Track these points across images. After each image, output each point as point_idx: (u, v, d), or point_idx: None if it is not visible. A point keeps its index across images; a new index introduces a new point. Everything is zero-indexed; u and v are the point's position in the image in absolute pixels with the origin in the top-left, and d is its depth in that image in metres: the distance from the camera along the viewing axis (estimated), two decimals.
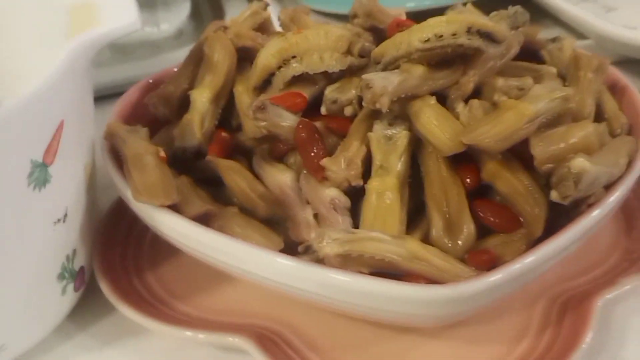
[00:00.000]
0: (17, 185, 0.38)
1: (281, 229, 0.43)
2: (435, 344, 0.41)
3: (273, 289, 0.39)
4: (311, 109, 0.44)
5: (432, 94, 0.42)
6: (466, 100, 0.42)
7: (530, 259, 0.36)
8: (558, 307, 0.42)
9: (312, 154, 0.42)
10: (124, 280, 0.46)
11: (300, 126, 0.42)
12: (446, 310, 0.36)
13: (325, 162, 0.41)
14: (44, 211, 0.40)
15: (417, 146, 0.42)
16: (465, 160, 0.41)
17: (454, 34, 0.40)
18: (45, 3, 0.46)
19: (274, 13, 0.52)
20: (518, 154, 0.40)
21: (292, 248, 0.41)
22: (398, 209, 0.39)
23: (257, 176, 0.44)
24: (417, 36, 0.41)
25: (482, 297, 0.36)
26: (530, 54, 0.48)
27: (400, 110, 0.42)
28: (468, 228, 0.39)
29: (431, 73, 0.41)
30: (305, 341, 0.42)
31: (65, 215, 0.42)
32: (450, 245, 0.39)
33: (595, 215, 0.38)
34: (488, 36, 0.41)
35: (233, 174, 0.43)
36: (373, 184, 0.40)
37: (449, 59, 0.42)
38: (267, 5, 0.50)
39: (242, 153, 0.46)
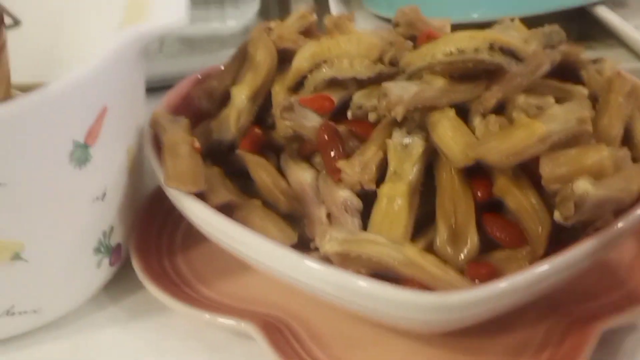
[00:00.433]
0: (60, 162, 0.41)
1: (300, 225, 0.44)
2: (434, 352, 0.42)
3: (278, 278, 0.41)
4: (339, 113, 0.46)
5: (455, 107, 0.42)
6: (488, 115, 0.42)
7: (518, 278, 0.36)
8: (562, 327, 0.42)
9: (331, 156, 0.43)
10: (155, 260, 0.48)
11: (323, 128, 0.44)
12: (433, 317, 0.37)
13: (341, 164, 0.42)
14: (84, 188, 0.44)
15: (433, 156, 0.43)
16: (480, 174, 0.42)
17: (476, 49, 0.41)
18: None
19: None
20: (530, 172, 0.40)
21: (307, 244, 0.43)
22: (405, 215, 0.40)
23: (282, 173, 0.46)
24: (441, 49, 0.42)
25: (470, 309, 0.36)
26: (570, 73, 0.47)
27: (421, 120, 0.43)
28: (472, 240, 0.40)
29: (452, 86, 0.42)
30: (311, 335, 0.43)
31: (104, 194, 0.45)
32: (452, 255, 0.39)
33: (596, 240, 0.38)
34: (511, 53, 0.41)
35: (259, 168, 0.45)
36: (384, 189, 0.41)
37: (473, 73, 0.43)
38: (314, 10, 0.52)
39: (273, 150, 0.48)
